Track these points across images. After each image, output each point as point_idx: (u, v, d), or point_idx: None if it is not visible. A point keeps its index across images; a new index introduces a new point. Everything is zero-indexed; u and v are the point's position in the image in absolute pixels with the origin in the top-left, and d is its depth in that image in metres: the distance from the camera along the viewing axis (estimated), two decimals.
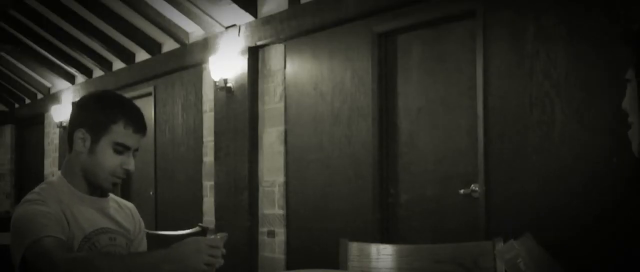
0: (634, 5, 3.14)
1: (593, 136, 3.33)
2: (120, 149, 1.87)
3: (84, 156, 1.88)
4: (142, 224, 2.09)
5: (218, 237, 1.68)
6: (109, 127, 1.86)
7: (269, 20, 5.13)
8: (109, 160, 1.87)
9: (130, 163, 1.89)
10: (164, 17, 6.09)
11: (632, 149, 1.35)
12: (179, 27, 6.17)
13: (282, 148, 5.20)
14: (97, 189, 1.94)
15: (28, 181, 9.96)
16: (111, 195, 2.02)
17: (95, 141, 1.87)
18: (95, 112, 1.89)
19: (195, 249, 1.62)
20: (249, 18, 5.29)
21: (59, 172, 1.95)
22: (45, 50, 8.13)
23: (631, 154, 1.34)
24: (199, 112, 6.19)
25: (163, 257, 1.63)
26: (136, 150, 1.92)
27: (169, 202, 6.65)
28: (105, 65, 7.71)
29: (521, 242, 1.50)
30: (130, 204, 2.08)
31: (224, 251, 1.66)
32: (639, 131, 1.33)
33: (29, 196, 1.85)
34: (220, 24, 5.57)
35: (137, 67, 7.16)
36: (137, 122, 1.90)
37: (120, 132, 1.86)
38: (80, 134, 1.88)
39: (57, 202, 1.83)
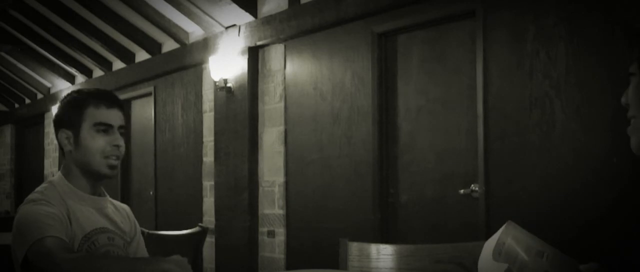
0: (634, 6, 3.14)
1: (593, 136, 3.33)
2: (102, 128, 1.91)
3: (73, 153, 1.93)
4: (137, 225, 2.11)
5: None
6: (82, 114, 1.91)
7: (269, 20, 5.12)
8: (95, 142, 1.91)
9: (119, 139, 1.93)
10: (164, 17, 6.09)
11: (631, 146, 1.32)
12: (179, 27, 6.17)
13: (282, 148, 5.20)
14: (98, 181, 1.96)
15: (28, 181, 9.96)
16: (107, 196, 2.03)
17: (76, 133, 1.92)
18: (67, 109, 1.95)
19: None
20: (249, 18, 5.29)
21: (59, 172, 1.97)
22: (45, 50, 8.13)
23: (631, 153, 1.33)
24: (199, 112, 6.19)
25: (164, 264, 1.61)
26: (121, 128, 1.95)
27: (169, 202, 6.65)
28: (105, 65, 7.71)
29: (505, 235, 1.42)
30: (125, 206, 2.10)
31: None
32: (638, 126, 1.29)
33: (32, 196, 1.87)
34: (220, 24, 5.56)
35: (137, 67, 7.16)
36: (106, 98, 1.94)
37: (94, 113, 1.91)
38: (63, 134, 1.94)
39: (60, 202, 1.85)
